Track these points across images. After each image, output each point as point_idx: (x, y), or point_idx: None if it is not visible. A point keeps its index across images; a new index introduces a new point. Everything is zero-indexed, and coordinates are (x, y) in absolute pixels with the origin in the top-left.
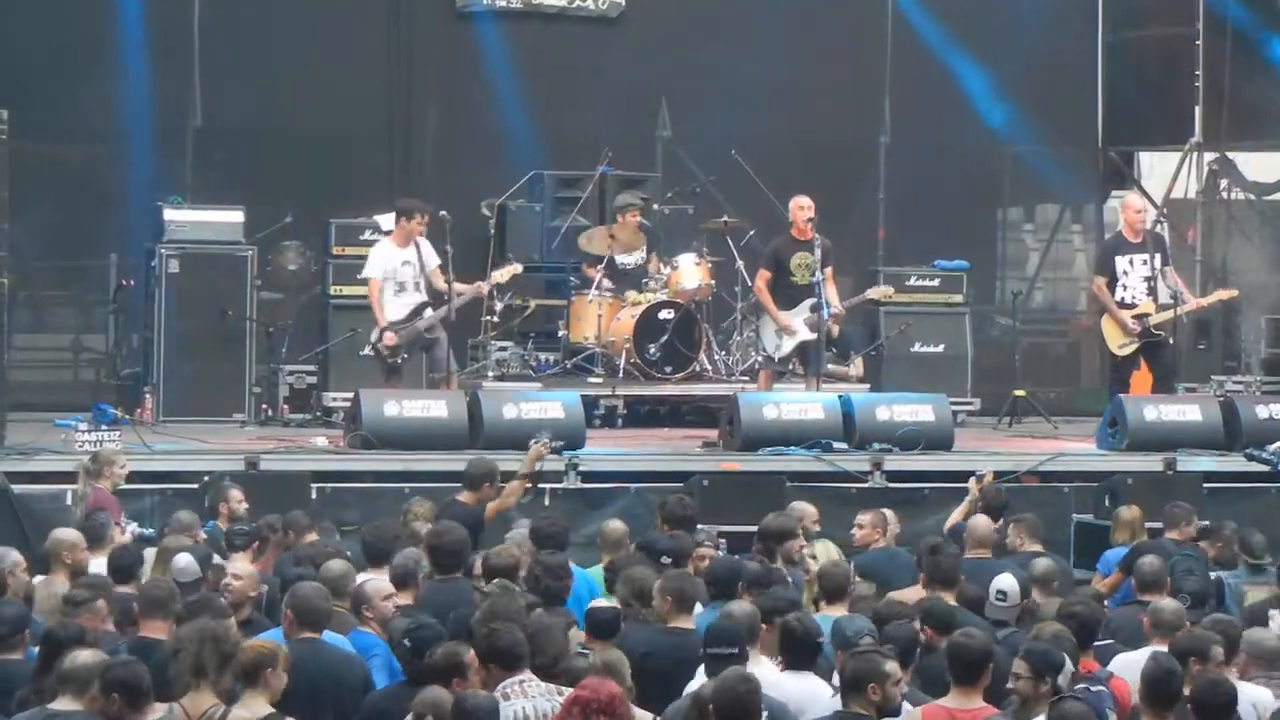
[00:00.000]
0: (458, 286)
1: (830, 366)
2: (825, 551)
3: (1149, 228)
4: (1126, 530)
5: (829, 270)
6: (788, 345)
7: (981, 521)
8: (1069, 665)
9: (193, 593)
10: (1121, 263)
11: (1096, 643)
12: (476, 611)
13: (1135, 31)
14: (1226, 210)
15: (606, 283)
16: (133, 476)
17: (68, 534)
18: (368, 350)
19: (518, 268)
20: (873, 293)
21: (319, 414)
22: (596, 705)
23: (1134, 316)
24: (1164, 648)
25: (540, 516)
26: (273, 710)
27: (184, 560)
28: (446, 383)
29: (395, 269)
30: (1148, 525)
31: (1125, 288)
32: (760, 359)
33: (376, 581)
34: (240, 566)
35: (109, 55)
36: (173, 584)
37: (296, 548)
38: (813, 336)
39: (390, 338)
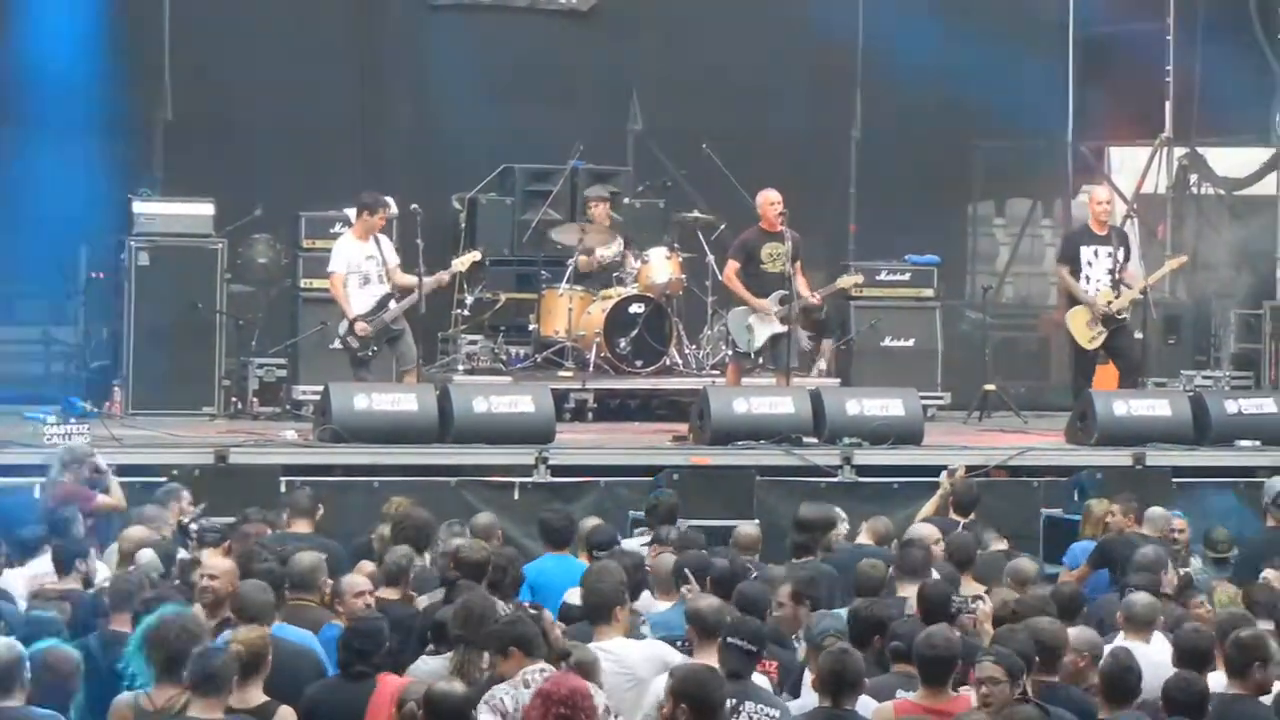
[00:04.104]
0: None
1: (806, 344)
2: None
3: (1116, 223)
4: (1098, 524)
5: (798, 264)
6: (760, 338)
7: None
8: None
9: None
10: (1086, 253)
11: None
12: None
13: (1106, 27)
14: (1196, 205)
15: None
16: None
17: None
18: (336, 344)
19: (477, 254)
20: (842, 282)
21: (289, 407)
22: (557, 698)
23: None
24: (1142, 642)
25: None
26: (267, 699)
27: (146, 556)
28: (414, 375)
29: (359, 262)
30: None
31: (1089, 279)
32: (729, 353)
33: (353, 577)
34: (216, 564)
35: (80, 47)
36: (142, 577)
37: (265, 539)
38: (784, 329)
39: (363, 327)
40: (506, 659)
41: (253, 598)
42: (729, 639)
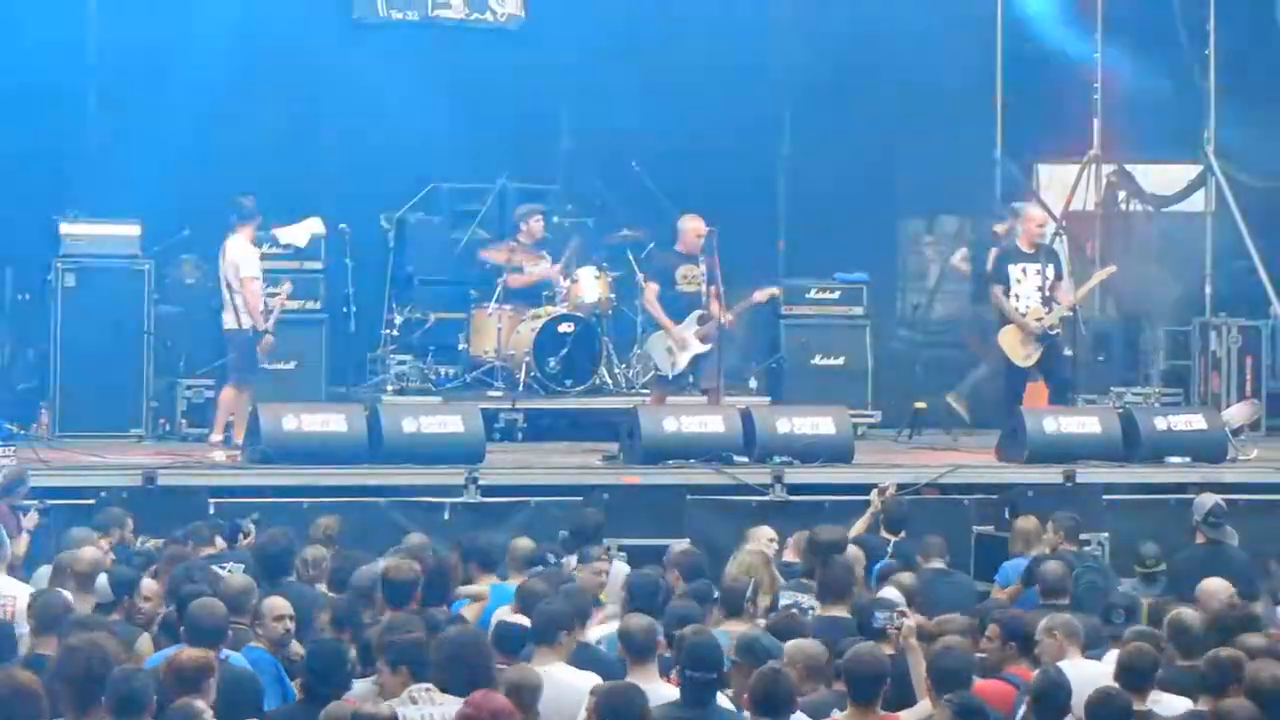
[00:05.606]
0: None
1: None
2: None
3: (1047, 241)
4: (1023, 541)
5: (714, 289)
6: (682, 361)
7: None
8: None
9: (108, 614)
10: (1014, 271)
11: None
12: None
13: (1034, 43)
14: (1125, 222)
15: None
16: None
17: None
18: (265, 363)
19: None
20: (759, 295)
21: None
22: None
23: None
24: (1080, 659)
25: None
26: None
27: (101, 581)
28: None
29: (260, 271)
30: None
31: (1018, 296)
32: (654, 374)
33: (273, 600)
34: (146, 585)
35: (3, 67)
36: (68, 599)
37: (191, 562)
38: (705, 348)
39: (270, 341)
40: (394, 674)
41: (207, 622)
42: (687, 672)
